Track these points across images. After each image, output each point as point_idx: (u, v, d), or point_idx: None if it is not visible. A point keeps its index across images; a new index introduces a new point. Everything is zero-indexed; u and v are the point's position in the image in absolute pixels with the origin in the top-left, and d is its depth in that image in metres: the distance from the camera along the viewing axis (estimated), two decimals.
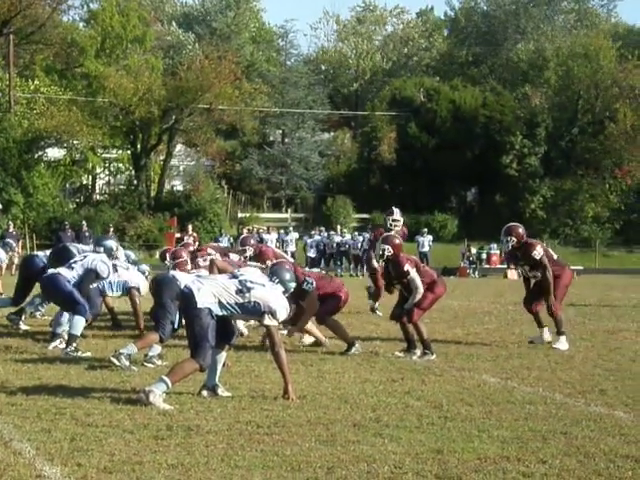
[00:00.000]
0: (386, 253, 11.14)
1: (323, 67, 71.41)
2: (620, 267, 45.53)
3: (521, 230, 12.24)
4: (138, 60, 50.85)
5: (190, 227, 34.07)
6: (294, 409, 7.68)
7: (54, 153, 48.21)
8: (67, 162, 48.58)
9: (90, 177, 55.23)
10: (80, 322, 11.02)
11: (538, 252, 11.98)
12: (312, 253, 38.32)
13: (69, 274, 11.25)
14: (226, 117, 50.09)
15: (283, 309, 8.24)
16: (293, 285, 8.75)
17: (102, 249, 12.04)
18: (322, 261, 37.82)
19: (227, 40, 63.34)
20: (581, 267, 40.78)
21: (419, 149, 54.01)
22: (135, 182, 50.80)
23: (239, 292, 8.15)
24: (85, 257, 11.64)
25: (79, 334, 11.02)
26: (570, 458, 6.18)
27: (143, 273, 13.67)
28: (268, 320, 8.16)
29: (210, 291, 8.10)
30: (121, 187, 54.44)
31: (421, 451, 6.30)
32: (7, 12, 51.56)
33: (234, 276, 8.39)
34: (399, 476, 5.72)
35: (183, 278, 9.94)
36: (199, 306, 8.00)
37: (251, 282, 8.23)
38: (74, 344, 10.83)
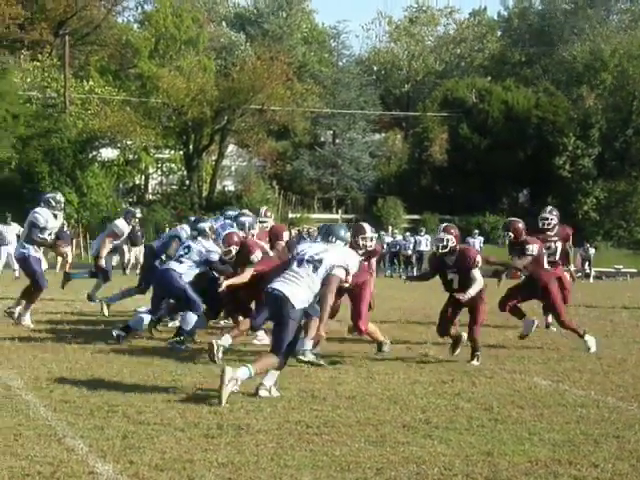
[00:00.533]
0: (450, 244, 10.63)
1: (375, 68, 71.22)
2: None
3: (521, 225, 12.27)
4: (191, 61, 51.21)
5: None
6: (343, 409, 7.68)
7: (108, 153, 48.76)
8: (120, 162, 49.07)
9: (143, 177, 55.75)
10: (192, 318, 11.25)
11: (533, 248, 12.01)
12: None
13: (179, 268, 11.41)
14: (278, 118, 50.26)
15: (355, 261, 8.45)
16: (348, 236, 8.92)
17: (196, 232, 12.17)
18: None
19: (279, 41, 63.49)
20: (635, 270, 40.32)
21: (471, 150, 53.70)
22: (187, 182, 51.20)
23: (315, 270, 8.19)
24: (189, 249, 11.65)
25: (189, 330, 11.27)
26: (622, 462, 6.12)
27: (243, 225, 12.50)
28: (338, 272, 8.22)
29: (299, 288, 8.10)
30: (173, 187, 54.88)
31: (471, 453, 6.28)
32: (63, 13, 52.37)
33: (298, 260, 8.37)
34: (449, 478, 5.70)
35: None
36: (297, 307, 8.01)
37: (316, 254, 8.30)
38: (181, 337, 11.18)
